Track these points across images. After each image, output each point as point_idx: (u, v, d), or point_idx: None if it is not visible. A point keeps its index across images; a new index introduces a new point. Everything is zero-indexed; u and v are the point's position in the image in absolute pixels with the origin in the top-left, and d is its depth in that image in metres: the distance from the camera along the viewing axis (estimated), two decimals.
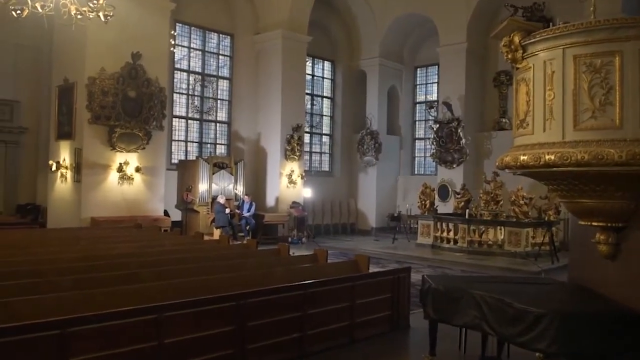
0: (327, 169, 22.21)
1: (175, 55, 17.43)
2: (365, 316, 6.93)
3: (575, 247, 6.13)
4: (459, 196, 17.13)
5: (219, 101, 18.82)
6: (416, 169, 22.80)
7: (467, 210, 15.97)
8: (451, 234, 15.63)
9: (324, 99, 22.20)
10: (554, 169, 4.61)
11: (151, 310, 4.97)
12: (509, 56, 5.15)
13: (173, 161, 17.35)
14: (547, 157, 4.60)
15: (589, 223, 5.13)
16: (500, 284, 5.68)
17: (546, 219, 14.76)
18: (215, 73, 18.73)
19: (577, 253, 6.04)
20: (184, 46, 17.90)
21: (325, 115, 22.26)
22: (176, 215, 16.37)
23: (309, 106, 21.14)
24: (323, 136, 22.27)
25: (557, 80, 4.74)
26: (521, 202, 14.39)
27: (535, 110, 4.93)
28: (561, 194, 5.18)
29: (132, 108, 14.46)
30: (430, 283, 5.76)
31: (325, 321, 6.45)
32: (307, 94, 20.56)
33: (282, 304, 6.03)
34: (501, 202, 15.44)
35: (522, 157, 4.83)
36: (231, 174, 16.65)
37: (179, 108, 17.88)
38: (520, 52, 5.08)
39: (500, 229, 14.83)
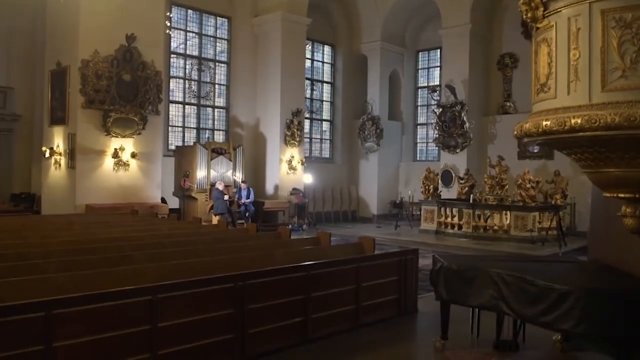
0: (327, 156, 21.82)
1: (172, 40, 17.01)
2: (372, 300, 6.58)
3: (595, 223, 5.77)
4: (462, 181, 16.74)
5: (216, 86, 18.39)
6: (418, 155, 22.41)
7: (472, 196, 15.60)
8: (455, 219, 15.28)
9: (324, 84, 21.77)
10: (581, 133, 4.22)
11: (144, 292, 4.61)
12: (529, 15, 4.74)
13: (170, 147, 16.94)
14: (572, 121, 4.21)
15: (615, 195, 4.74)
16: (518, 263, 5.33)
17: (553, 202, 14.42)
18: (212, 57, 18.28)
19: (597, 230, 5.68)
20: (180, 29, 17.44)
21: (326, 101, 21.83)
22: (174, 202, 16.00)
23: (308, 92, 20.71)
24: (323, 122, 21.85)
25: (582, 38, 4.34)
26: (528, 185, 14.02)
27: (558, 73, 4.53)
28: (585, 164, 4.79)
29: (127, 92, 14.06)
30: (442, 262, 5.39)
31: (330, 305, 6.10)
32: (307, 79, 20.13)
33: (284, 286, 5.67)
34: (506, 187, 15.07)
35: (544, 123, 4.43)
36: (230, 160, 16.26)
37: (176, 93, 17.46)
38: (541, 9, 4.67)
39: (506, 214, 14.49)
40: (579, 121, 4.20)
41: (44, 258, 6.00)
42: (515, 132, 5.02)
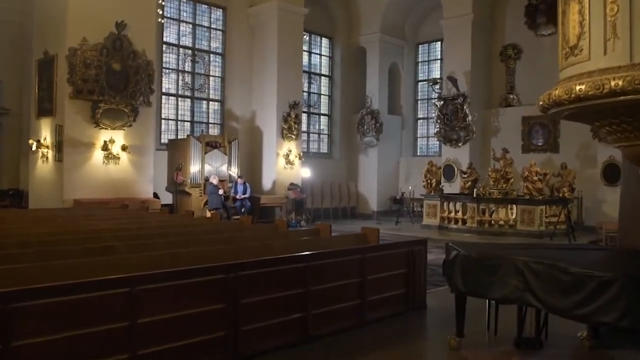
0: (325, 151, 21.25)
1: (165, 31, 16.43)
2: (377, 294, 6.01)
3: (626, 210, 5.22)
4: (465, 176, 16.22)
5: (211, 78, 17.81)
6: (418, 150, 21.86)
7: (475, 190, 15.09)
8: (459, 214, 14.76)
9: (322, 77, 21.20)
10: (622, 97, 3.69)
11: (122, 282, 4.03)
12: None
13: (163, 141, 16.36)
14: (612, 83, 3.69)
15: None
16: (545, 250, 4.77)
17: (561, 196, 13.90)
18: (206, 48, 17.70)
19: (629, 213, 5.13)
20: (173, 19, 16.85)
21: (324, 95, 21.25)
22: (167, 198, 15.40)
23: (306, 85, 20.14)
24: (321, 116, 21.28)
25: None
26: (535, 178, 13.52)
27: (592, 31, 4.01)
28: (620, 137, 4.26)
29: (117, 82, 13.43)
30: (458, 250, 4.84)
31: (332, 300, 5.54)
32: (304, 72, 19.55)
33: (282, 278, 5.11)
34: (512, 180, 14.57)
35: (578, 87, 3.91)
36: (225, 153, 15.67)
37: (169, 85, 16.87)
38: None
39: (511, 208, 13.99)
40: (620, 83, 3.66)
41: (20, 248, 5.45)
42: (542, 102, 4.48)
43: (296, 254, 5.37)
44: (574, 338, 5.33)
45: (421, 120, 21.82)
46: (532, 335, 5.13)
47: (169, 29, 16.76)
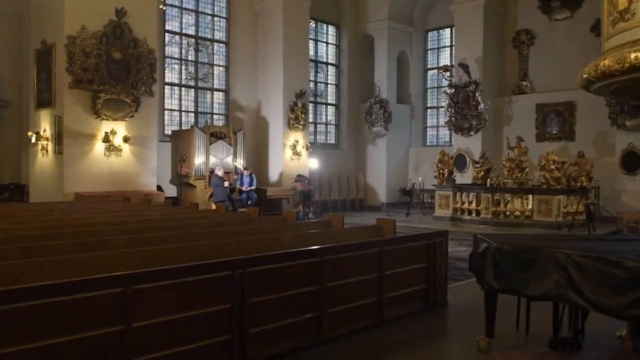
0: (333, 142, 20.74)
1: (167, 18, 15.94)
2: (396, 291, 5.57)
3: None
4: (478, 165, 15.66)
5: (215, 67, 17.31)
6: (428, 140, 21.32)
7: (488, 180, 14.58)
8: (473, 205, 14.26)
9: (329, 66, 20.64)
10: None
11: (115, 281, 3.58)
12: None
13: (166, 132, 15.92)
14: None
15: None
16: (584, 241, 4.28)
17: (579, 185, 13.38)
18: (210, 36, 17.19)
19: None
20: (175, 6, 16.35)
21: (331, 84, 20.72)
22: (171, 191, 14.99)
23: (312, 75, 19.61)
24: (328, 106, 20.75)
25: None
26: (552, 166, 12.98)
27: None
28: None
29: (118, 71, 12.99)
30: (489, 243, 4.36)
31: (349, 297, 5.09)
32: (311, 60, 19.01)
33: (293, 275, 4.66)
34: (527, 169, 14.04)
35: (633, 55, 3.41)
36: (230, 144, 15.21)
37: (172, 74, 16.40)
38: None
39: (527, 198, 13.49)
40: None
41: (7, 244, 5.01)
42: (586, 75, 3.96)
43: (309, 248, 4.90)
44: (612, 336, 4.88)
45: (431, 110, 21.26)
46: (569, 335, 4.66)
47: (171, 17, 16.27)
